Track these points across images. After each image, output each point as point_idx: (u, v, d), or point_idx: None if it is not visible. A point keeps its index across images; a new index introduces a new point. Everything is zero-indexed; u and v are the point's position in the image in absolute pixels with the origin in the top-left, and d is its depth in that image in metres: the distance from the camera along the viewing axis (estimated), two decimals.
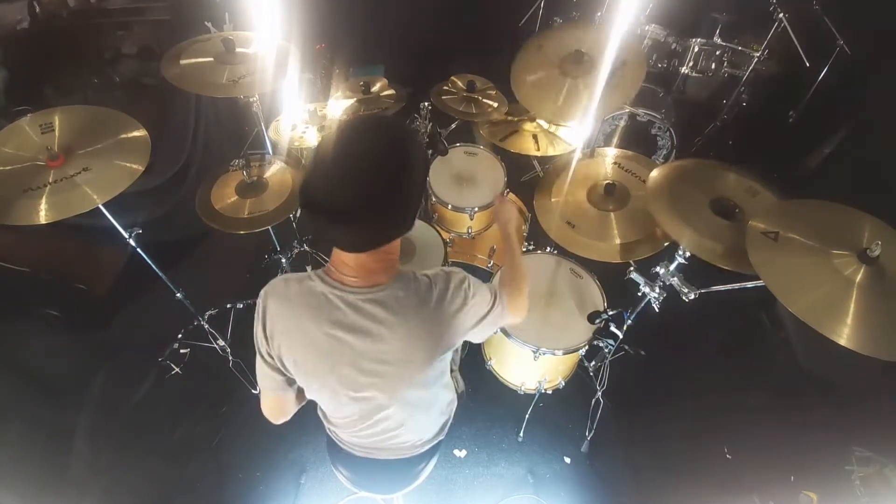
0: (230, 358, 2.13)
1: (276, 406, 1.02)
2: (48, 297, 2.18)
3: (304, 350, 0.88)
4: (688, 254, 1.39)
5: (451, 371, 1.19)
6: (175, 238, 2.41)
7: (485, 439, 2.07)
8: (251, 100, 1.80)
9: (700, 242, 1.36)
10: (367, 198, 0.73)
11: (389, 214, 0.78)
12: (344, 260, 0.84)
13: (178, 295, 1.93)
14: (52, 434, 1.86)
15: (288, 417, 1.05)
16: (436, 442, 1.22)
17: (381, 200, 0.74)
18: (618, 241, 1.60)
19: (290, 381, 0.96)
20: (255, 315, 0.89)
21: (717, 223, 1.40)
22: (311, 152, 0.79)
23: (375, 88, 2.22)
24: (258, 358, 0.94)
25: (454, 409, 1.24)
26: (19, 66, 2.50)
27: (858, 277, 1.11)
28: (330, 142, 0.74)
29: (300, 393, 1.01)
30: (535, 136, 2.05)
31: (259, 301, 0.89)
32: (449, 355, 0.97)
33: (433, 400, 1.08)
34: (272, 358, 0.91)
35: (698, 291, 1.45)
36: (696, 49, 2.77)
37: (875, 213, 1.25)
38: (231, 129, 2.92)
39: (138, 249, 1.67)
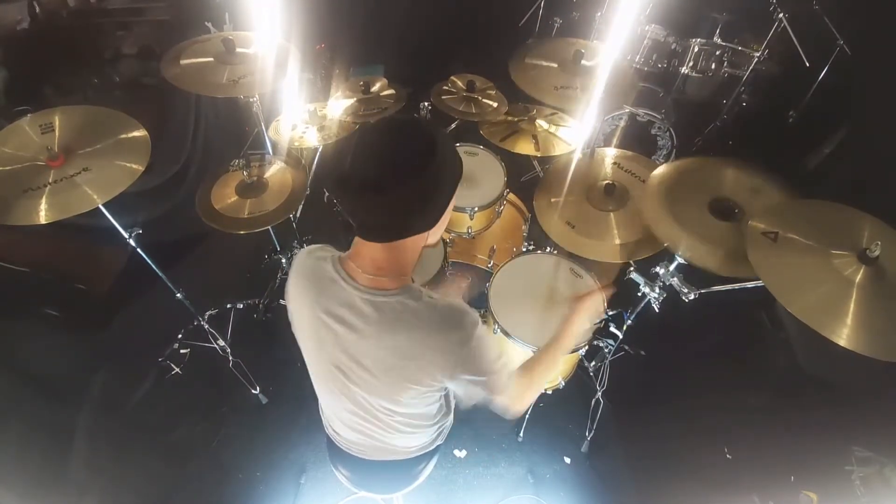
0: (230, 358, 2.13)
1: None
2: (48, 297, 2.18)
3: (302, 325, 0.93)
4: (688, 254, 1.39)
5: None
6: (175, 238, 2.41)
7: (485, 439, 2.07)
8: (251, 100, 1.80)
9: (697, 250, 1.34)
10: (396, 169, 0.73)
11: (414, 197, 0.76)
12: (361, 251, 0.85)
13: (178, 295, 1.93)
14: (52, 434, 1.86)
15: None
16: (433, 447, 1.22)
17: (409, 178, 0.74)
18: (618, 241, 1.60)
19: None
20: None
21: (716, 226, 1.39)
22: (349, 138, 0.81)
23: (375, 88, 2.21)
24: None
25: (453, 415, 1.24)
26: (19, 66, 2.50)
27: (858, 278, 1.11)
28: (363, 132, 0.77)
29: None
30: (535, 137, 2.05)
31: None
32: (436, 392, 0.93)
33: (411, 424, 1.05)
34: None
35: (698, 291, 1.45)
36: (696, 49, 2.77)
37: (875, 213, 1.25)
38: (231, 129, 2.92)
39: (138, 249, 1.67)
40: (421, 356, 0.84)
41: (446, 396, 1.13)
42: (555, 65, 1.97)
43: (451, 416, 1.21)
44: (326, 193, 2.36)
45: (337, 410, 1.04)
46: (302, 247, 2.38)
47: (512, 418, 1.04)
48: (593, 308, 1.20)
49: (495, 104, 2.16)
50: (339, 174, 0.75)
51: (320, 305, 0.87)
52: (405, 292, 0.84)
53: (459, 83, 2.23)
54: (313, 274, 0.89)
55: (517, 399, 0.98)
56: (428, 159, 0.75)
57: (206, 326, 2.11)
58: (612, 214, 1.65)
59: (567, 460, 2.03)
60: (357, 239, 0.85)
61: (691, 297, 1.45)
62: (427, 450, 1.20)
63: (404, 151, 0.75)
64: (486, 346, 0.86)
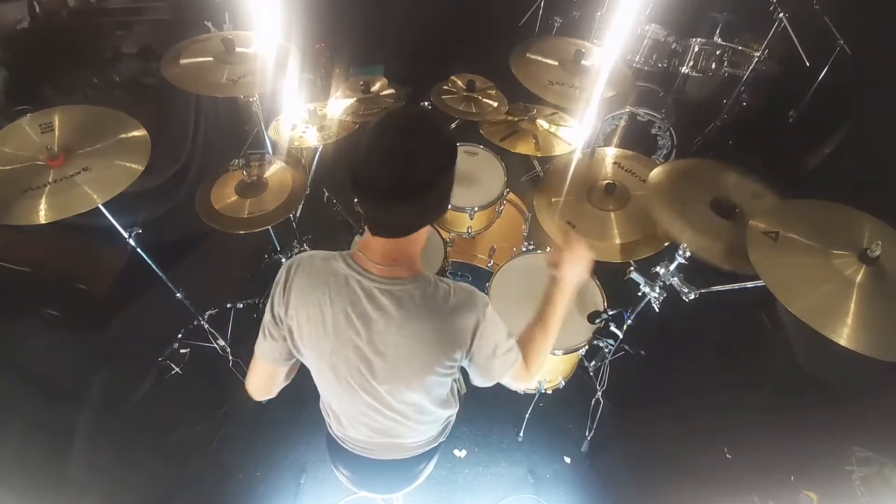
0: (230, 358, 2.13)
1: (265, 379, 1.03)
2: (48, 297, 2.18)
3: (316, 326, 0.89)
4: (688, 254, 1.39)
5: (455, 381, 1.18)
6: (175, 238, 2.41)
7: (485, 439, 2.07)
8: (251, 99, 1.80)
9: (700, 241, 1.35)
10: (420, 177, 0.76)
11: (434, 198, 0.80)
12: (369, 242, 0.86)
13: (178, 295, 1.93)
14: (52, 434, 1.86)
15: (273, 395, 1.06)
16: (436, 444, 1.22)
17: (433, 184, 0.77)
18: (618, 241, 1.60)
19: (290, 355, 0.98)
20: (276, 281, 0.91)
21: (718, 222, 1.40)
22: (359, 136, 0.79)
23: (375, 88, 2.21)
24: (267, 324, 0.94)
25: (456, 413, 1.24)
26: (19, 66, 2.50)
27: (859, 278, 1.11)
28: (379, 131, 0.77)
29: (290, 371, 1.04)
30: (535, 136, 2.05)
31: (283, 269, 0.91)
32: (451, 373, 0.96)
33: (428, 411, 1.07)
34: (282, 327, 0.93)
35: (698, 291, 1.45)
36: (696, 49, 2.77)
37: (875, 213, 1.25)
38: (231, 129, 2.92)
39: (138, 249, 1.67)
40: (441, 339, 0.88)
41: (451, 390, 1.13)
42: (555, 62, 1.97)
43: (457, 408, 1.22)
44: (326, 193, 2.36)
45: (351, 408, 1.04)
46: (302, 247, 2.39)
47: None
48: (577, 262, 1.05)
49: (495, 104, 2.16)
50: (359, 179, 0.76)
51: (338, 303, 0.87)
52: (419, 279, 0.87)
53: (459, 83, 2.23)
54: (322, 273, 0.88)
55: (527, 375, 1.02)
56: (448, 164, 0.78)
57: (206, 326, 2.11)
58: (612, 214, 1.65)
59: (567, 460, 2.03)
60: (367, 233, 0.87)
61: (691, 297, 1.45)
62: (431, 446, 1.20)
63: (428, 158, 0.77)
64: (498, 324, 0.92)
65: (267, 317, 0.94)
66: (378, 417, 1.03)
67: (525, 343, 1.02)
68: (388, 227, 0.83)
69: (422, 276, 0.89)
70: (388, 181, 0.75)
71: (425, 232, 0.89)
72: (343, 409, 1.07)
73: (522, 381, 1.02)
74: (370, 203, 0.79)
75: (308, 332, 0.91)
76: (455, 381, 1.13)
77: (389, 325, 0.86)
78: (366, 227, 0.86)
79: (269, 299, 0.93)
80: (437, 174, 0.77)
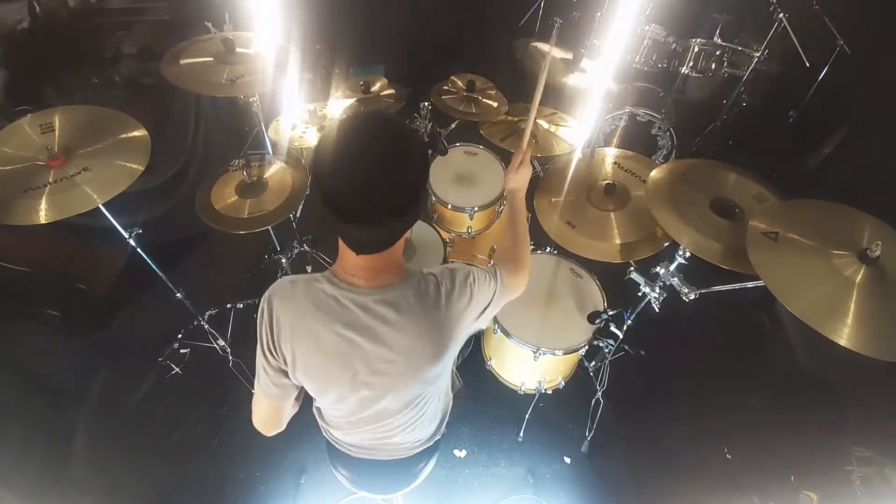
0: (230, 358, 2.13)
1: (271, 415, 0.99)
2: (48, 297, 2.18)
3: (313, 353, 0.86)
4: (688, 254, 1.39)
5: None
6: (175, 238, 2.41)
7: (485, 439, 2.07)
8: (251, 99, 1.80)
9: (700, 242, 1.35)
10: (400, 203, 0.74)
11: (412, 212, 0.77)
12: (353, 261, 0.83)
13: (178, 295, 1.93)
14: (52, 434, 1.86)
15: (281, 429, 1.03)
16: (434, 441, 1.22)
17: (409, 203, 0.75)
18: (618, 241, 1.60)
19: (291, 389, 0.94)
20: (259, 318, 0.86)
21: (717, 222, 1.40)
22: (319, 150, 0.72)
23: (375, 88, 2.21)
24: (261, 363, 0.90)
25: (451, 407, 1.25)
26: (19, 66, 2.50)
27: (858, 278, 1.11)
28: (342, 142, 0.71)
29: (295, 402, 1.01)
30: (535, 137, 2.05)
31: (263, 303, 0.86)
32: (455, 351, 0.97)
33: (433, 396, 1.09)
34: (277, 362, 0.89)
35: (698, 291, 1.45)
36: (696, 49, 2.77)
37: (875, 213, 1.25)
38: (231, 129, 2.92)
39: (138, 249, 1.67)
40: (445, 328, 0.89)
41: (450, 379, 1.15)
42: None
43: (451, 402, 1.22)
44: None
45: (353, 419, 1.03)
46: (302, 247, 2.39)
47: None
48: (522, 167, 1.21)
49: (495, 104, 2.16)
50: (339, 209, 0.71)
51: (334, 325, 0.84)
52: (408, 279, 0.87)
53: (459, 83, 2.23)
54: (308, 300, 0.84)
55: (519, 285, 1.06)
56: (424, 164, 0.76)
57: (206, 326, 2.11)
58: (612, 214, 1.65)
59: (567, 460, 2.03)
60: (346, 251, 0.83)
61: (691, 297, 1.45)
62: (429, 444, 1.20)
63: (405, 170, 0.73)
64: (482, 277, 0.94)
65: (259, 354, 0.89)
66: (381, 424, 1.03)
67: (508, 252, 1.09)
68: (372, 245, 0.80)
69: (409, 274, 0.88)
70: (372, 206, 0.71)
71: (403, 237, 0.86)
72: (345, 421, 1.06)
73: (519, 288, 1.05)
74: (354, 229, 0.75)
75: (306, 362, 0.87)
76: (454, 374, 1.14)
77: (393, 331, 0.85)
78: (343, 245, 0.82)
79: (258, 336, 0.88)
80: (417, 183, 0.74)
